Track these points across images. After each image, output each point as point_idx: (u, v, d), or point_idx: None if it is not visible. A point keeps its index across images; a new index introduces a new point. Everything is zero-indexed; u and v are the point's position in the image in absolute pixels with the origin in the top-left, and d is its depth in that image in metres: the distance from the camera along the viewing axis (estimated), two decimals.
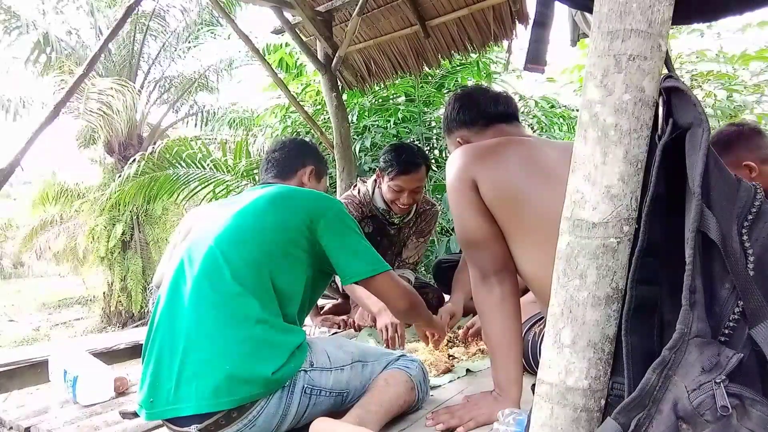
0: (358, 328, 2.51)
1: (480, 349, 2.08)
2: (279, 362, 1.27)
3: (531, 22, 1.41)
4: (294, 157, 1.75)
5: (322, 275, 1.52)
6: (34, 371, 2.21)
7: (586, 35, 2.66)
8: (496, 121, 1.51)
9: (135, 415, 1.46)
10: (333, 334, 2.47)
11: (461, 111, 1.55)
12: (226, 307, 1.30)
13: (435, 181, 5.17)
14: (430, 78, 5.89)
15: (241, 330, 1.28)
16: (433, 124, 5.96)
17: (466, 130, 1.53)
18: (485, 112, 1.52)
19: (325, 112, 5.33)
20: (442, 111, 5.65)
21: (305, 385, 1.33)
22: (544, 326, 0.82)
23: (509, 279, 1.37)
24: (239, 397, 1.23)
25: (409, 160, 2.45)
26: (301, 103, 5.02)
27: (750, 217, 0.74)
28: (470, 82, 6.00)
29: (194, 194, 6.21)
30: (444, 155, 5.86)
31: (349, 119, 4.64)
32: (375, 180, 2.67)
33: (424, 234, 2.85)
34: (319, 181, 1.80)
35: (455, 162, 1.35)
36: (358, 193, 2.71)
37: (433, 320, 1.71)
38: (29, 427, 1.57)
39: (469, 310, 2.68)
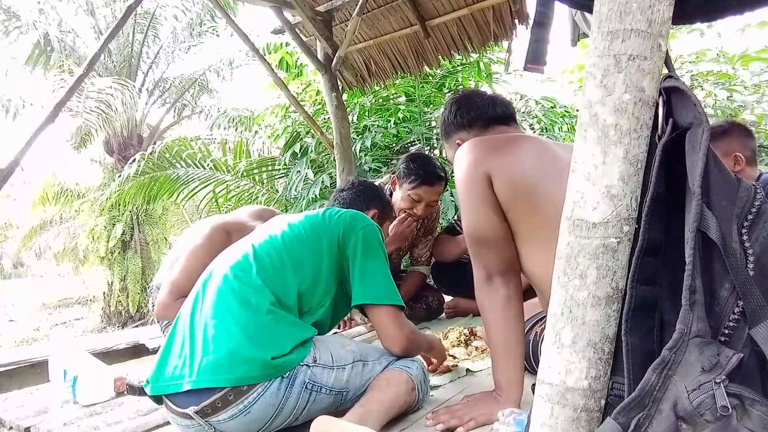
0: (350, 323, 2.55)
1: (479, 347, 2.08)
2: (280, 350, 1.29)
3: (531, 22, 1.41)
4: (361, 199, 1.87)
5: (344, 297, 1.53)
6: (34, 371, 2.21)
7: (586, 35, 2.66)
8: (495, 122, 1.51)
9: (141, 390, 1.47)
10: (333, 333, 2.48)
11: (459, 113, 1.55)
12: (241, 295, 1.35)
13: None
14: (430, 78, 5.87)
15: (250, 315, 1.32)
16: (434, 124, 5.94)
17: (465, 132, 1.53)
18: (484, 113, 1.52)
19: (325, 112, 5.32)
20: (442, 111, 5.66)
21: (306, 380, 1.33)
22: (545, 326, 0.82)
23: (514, 280, 1.35)
24: (236, 376, 1.25)
25: (434, 171, 2.44)
26: (301, 103, 5.01)
27: (750, 217, 0.74)
28: (471, 83, 5.99)
29: (194, 194, 6.21)
30: (444, 156, 5.84)
31: (349, 119, 4.63)
32: (384, 186, 2.65)
33: (432, 231, 2.86)
34: (382, 224, 1.87)
35: (467, 155, 1.28)
36: None
37: (433, 347, 1.71)
38: (29, 427, 1.57)
39: (470, 311, 2.69)
